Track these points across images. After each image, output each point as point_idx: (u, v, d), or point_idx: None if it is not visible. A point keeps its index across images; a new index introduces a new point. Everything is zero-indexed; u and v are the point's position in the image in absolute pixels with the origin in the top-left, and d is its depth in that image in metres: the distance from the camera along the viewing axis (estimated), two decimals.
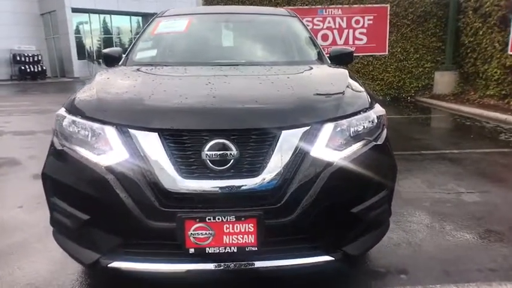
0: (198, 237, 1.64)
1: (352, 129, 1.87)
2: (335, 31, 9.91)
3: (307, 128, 1.75)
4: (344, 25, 9.89)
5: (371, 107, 2.03)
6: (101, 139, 1.76)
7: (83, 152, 1.77)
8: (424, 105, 9.51)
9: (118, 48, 3.13)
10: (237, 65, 2.68)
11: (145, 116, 1.75)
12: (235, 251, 1.66)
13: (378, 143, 1.94)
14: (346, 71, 2.49)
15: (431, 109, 9.05)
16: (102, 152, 1.73)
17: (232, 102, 1.87)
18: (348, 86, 2.11)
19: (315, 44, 3.20)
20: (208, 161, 1.66)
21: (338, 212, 1.78)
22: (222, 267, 1.69)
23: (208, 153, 1.65)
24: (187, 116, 1.74)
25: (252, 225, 1.64)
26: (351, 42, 9.96)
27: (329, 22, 9.84)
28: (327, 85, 2.14)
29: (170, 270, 1.72)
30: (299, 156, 1.71)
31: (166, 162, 1.66)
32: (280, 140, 1.70)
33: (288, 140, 1.71)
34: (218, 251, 1.66)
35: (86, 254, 1.79)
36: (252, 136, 1.70)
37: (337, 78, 2.35)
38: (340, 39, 9.93)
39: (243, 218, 1.63)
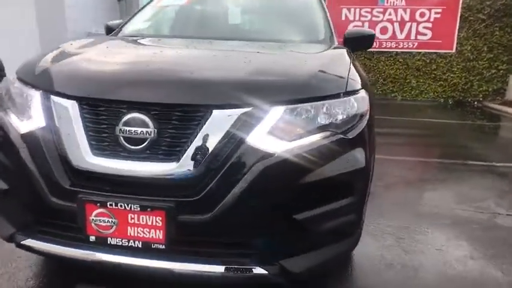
0: (100, 225, 1.41)
1: (310, 117, 1.51)
2: (396, 24, 9.07)
3: (247, 109, 1.43)
4: (407, 18, 9.02)
5: (349, 93, 1.64)
6: (26, 104, 1.60)
7: (11, 117, 1.62)
8: (492, 112, 8.37)
9: (119, 21, 3.01)
10: (221, 39, 2.39)
11: (66, 82, 1.55)
12: (139, 246, 1.41)
13: (346, 137, 1.55)
14: (342, 54, 2.08)
15: (500, 117, 7.93)
16: (25, 118, 1.57)
17: (163, 73, 1.59)
18: (323, 68, 1.73)
19: (326, 25, 2.78)
20: (121, 137, 1.42)
21: (274, 216, 1.44)
22: (125, 263, 1.45)
23: (123, 128, 1.41)
24: (107, 85, 1.51)
25: (160, 218, 1.37)
26: (413, 37, 9.07)
27: (390, 14, 9.03)
28: (298, 65, 1.76)
29: (76, 257, 1.51)
30: (231, 143, 1.39)
31: (79, 135, 1.45)
32: (209, 120, 1.40)
33: (219, 122, 1.40)
34: (121, 243, 1.42)
35: (3, 227, 1.65)
36: (176, 113, 1.42)
37: (319, 59, 1.96)
38: (401, 33, 9.08)
39: (148, 209, 1.37)
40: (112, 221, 1.40)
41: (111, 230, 1.41)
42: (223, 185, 1.37)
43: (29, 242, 1.58)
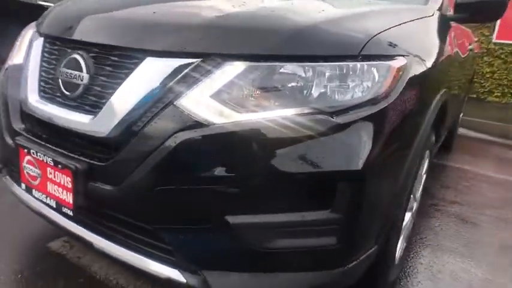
0: (29, 174, 1.28)
1: (286, 83, 1.05)
2: None
3: (191, 60, 1.06)
4: None
5: (368, 58, 1.09)
6: (19, 43, 1.58)
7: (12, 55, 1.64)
8: None
9: None
10: None
11: (43, 21, 1.46)
12: (53, 206, 1.23)
13: (337, 120, 1.02)
14: (401, 10, 1.45)
15: None
16: (14, 55, 1.56)
17: (112, 13, 1.28)
18: (337, 20, 1.19)
19: None
20: (60, 80, 1.25)
21: (196, 209, 1.05)
22: (52, 219, 1.27)
23: (62, 70, 1.24)
24: (63, 23, 1.33)
25: (69, 180, 1.15)
26: None
27: None
28: (292, 14, 1.19)
29: (23, 201, 1.41)
30: (158, 101, 1.06)
31: (35, 74, 1.35)
32: (137, 69, 1.09)
33: (151, 73, 1.08)
34: (41, 198, 1.26)
35: None
36: (112, 57, 1.16)
37: (341, 8, 1.36)
38: None
39: (59, 166, 1.16)
40: (37, 172, 1.25)
41: (36, 182, 1.27)
42: (135, 154, 1.06)
43: (5, 179, 1.56)
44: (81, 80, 1.18)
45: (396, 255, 1.55)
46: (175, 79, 1.05)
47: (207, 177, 1.01)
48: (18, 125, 1.35)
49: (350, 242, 1.10)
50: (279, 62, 1.05)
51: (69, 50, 1.25)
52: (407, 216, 1.57)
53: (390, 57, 1.13)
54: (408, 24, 1.36)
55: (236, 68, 1.04)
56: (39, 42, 1.38)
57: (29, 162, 1.27)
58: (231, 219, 1.03)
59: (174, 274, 1.11)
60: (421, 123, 1.28)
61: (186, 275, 1.10)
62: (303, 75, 1.06)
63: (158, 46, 1.09)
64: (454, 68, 1.92)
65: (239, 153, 1.01)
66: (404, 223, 1.53)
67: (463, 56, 2.28)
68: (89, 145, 1.16)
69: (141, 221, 1.10)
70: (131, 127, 1.07)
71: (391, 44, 1.16)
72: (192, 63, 1.06)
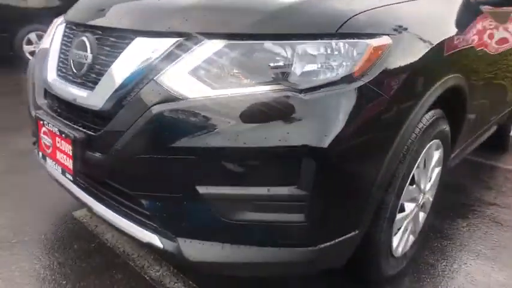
0: (45, 143, 1.45)
1: (260, 61, 1.08)
2: None
3: (174, 39, 1.13)
4: None
5: (345, 36, 1.08)
6: (50, 30, 1.77)
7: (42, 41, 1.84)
8: None
9: None
10: None
11: (70, 9, 1.62)
12: (60, 171, 1.37)
13: (303, 96, 1.03)
14: None
15: None
16: (45, 41, 1.75)
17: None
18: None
19: None
20: (72, 60, 1.39)
21: (170, 178, 1.12)
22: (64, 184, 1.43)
23: (73, 51, 1.39)
24: (83, 10, 1.50)
25: (70, 148, 1.28)
26: None
27: None
28: None
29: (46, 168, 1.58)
30: (144, 76, 1.15)
31: (55, 56, 1.52)
32: (127, 48, 1.19)
33: (139, 51, 1.18)
34: (52, 165, 1.42)
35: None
36: (111, 38, 1.28)
37: None
38: None
39: (64, 135, 1.30)
40: (50, 142, 1.41)
41: (49, 150, 1.42)
42: (120, 126, 1.15)
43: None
44: (86, 59, 1.31)
45: (395, 247, 1.49)
46: (159, 56, 1.13)
47: (178, 148, 1.07)
48: (40, 101, 1.53)
49: (319, 220, 1.10)
50: (255, 40, 1.09)
51: (79, 33, 1.39)
52: (409, 207, 1.51)
53: (371, 36, 1.10)
54: (407, 3, 1.30)
55: (215, 45, 1.09)
56: (61, 28, 1.55)
57: (44, 133, 1.43)
58: (201, 189, 1.08)
59: (154, 240, 1.19)
60: (411, 107, 1.22)
61: (164, 241, 1.17)
62: (278, 53, 1.08)
63: (146, 27, 1.18)
64: (480, 55, 1.77)
65: (208, 126, 1.05)
66: (403, 214, 1.48)
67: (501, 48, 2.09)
68: (87, 117, 1.29)
69: (125, 187, 1.20)
70: (120, 101, 1.17)
71: (374, 23, 1.13)
72: (176, 42, 1.13)
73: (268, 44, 1.08)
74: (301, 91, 1.04)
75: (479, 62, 1.71)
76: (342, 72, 1.06)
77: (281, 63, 1.07)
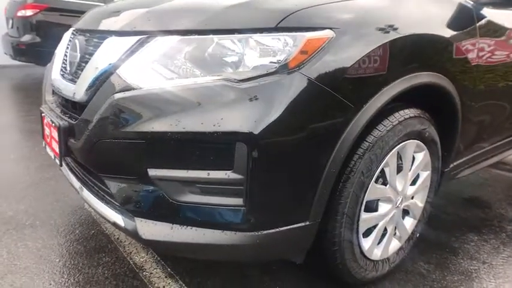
0: (46, 134, 1.64)
1: (208, 54, 1.17)
2: None
3: (139, 37, 1.26)
4: None
5: (285, 29, 1.14)
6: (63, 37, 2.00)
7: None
8: None
9: None
10: None
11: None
12: (52, 157, 1.55)
13: (238, 85, 1.10)
14: None
15: None
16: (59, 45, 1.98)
17: (107, 7, 1.59)
18: None
19: None
20: (68, 61, 1.59)
21: (124, 160, 1.22)
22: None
23: (70, 53, 1.58)
24: (85, 19, 1.69)
25: (57, 135, 1.45)
26: None
27: None
28: None
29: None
30: (110, 71, 1.28)
31: (60, 58, 1.72)
32: (101, 46, 1.35)
33: (109, 48, 1.32)
34: (50, 152, 1.61)
35: None
36: (93, 39, 1.44)
37: None
38: None
39: (54, 124, 1.47)
40: (48, 131, 1.60)
41: (48, 139, 1.61)
42: (88, 114, 1.29)
43: None
44: (76, 59, 1.49)
45: (367, 248, 1.45)
46: (124, 53, 1.26)
47: (131, 133, 1.17)
48: (48, 97, 1.74)
49: (258, 205, 1.13)
50: (203, 35, 1.18)
51: (75, 37, 1.58)
52: (384, 207, 1.46)
53: (312, 30, 1.13)
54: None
55: (169, 41, 1.20)
56: (67, 35, 1.76)
57: (45, 124, 1.63)
58: (151, 172, 1.17)
59: (118, 219, 1.29)
60: (359, 100, 1.19)
61: (125, 220, 1.27)
62: (224, 46, 1.16)
63: (118, 28, 1.33)
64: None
65: (156, 113, 1.15)
66: (375, 213, 1.44)
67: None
68: (73, 108, 1.45)
69: (94, 170, 1.33)
70: (93, 93, 1.32)
71: (317, 18, 1.16)
72: (138, 39, 1.25)
73: (214, 39, 1.16)
74: (239, 81, 1.10)
75: (464, 64, 1.60)
76: (278, 63, 1.10)
77: (225, 56, 1.15)
